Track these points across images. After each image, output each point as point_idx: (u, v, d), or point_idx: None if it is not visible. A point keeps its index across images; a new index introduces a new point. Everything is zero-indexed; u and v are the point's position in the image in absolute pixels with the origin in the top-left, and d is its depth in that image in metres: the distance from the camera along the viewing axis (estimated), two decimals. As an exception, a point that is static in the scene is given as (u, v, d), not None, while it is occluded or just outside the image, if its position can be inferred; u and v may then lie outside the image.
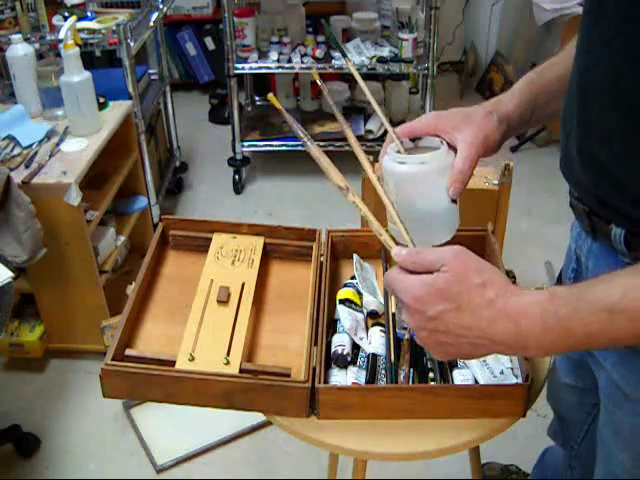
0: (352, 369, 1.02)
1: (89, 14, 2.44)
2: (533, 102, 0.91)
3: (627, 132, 0.72)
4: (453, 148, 0.87)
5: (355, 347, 1.06)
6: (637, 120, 0.70)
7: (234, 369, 0.97)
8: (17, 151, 1.98)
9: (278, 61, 2.89)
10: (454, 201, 0.85)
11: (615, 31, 0.70)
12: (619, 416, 0.89)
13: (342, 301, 1.12)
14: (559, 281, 2.11)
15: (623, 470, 0.92)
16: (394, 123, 3.55)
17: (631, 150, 0.72)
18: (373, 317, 1.14)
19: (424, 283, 0.69)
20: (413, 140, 0.88)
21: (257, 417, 1.88)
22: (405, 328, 1.08)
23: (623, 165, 0.73)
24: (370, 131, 3.02)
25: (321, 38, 2.97)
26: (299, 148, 3.06)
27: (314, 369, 0.98)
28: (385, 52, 2.91)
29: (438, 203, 0.85)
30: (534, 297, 0.66)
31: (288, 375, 0.98)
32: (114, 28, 2.25)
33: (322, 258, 1.20)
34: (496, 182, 1.84)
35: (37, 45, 2.27)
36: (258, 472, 1.84)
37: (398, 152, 0.88)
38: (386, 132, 0.92)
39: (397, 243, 0.76)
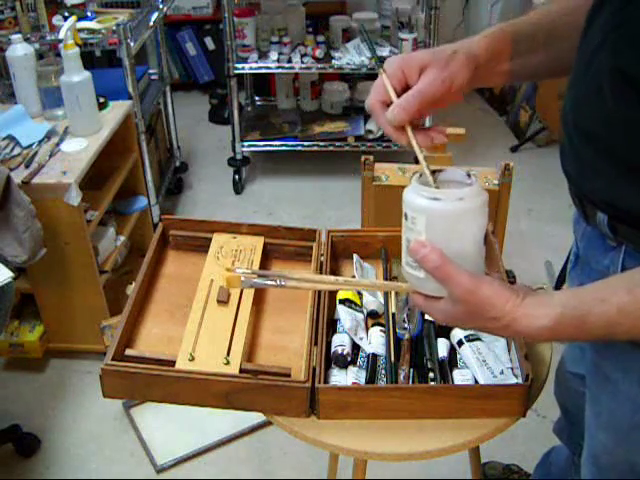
0: (352, 369, 1.02)
1: (89, 14, 2.44)
2: (508, 45, 0.87)
3: (606, 134, 0.78)
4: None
5: (355, 347, 1.06)
6: (614, 124, 0.76)
7: (234, 369, 0.97)
8: (17, 151, 1.98)
9: (278, 61, 2.89)
10: (485, 242, 0.77)
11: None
12: (601, 398, 0.94)
13: (342, 301, 1.12)
14: (559, 280, 2.10)
15: (604, 451, 0.96)
16: (394, 123, 3.44)
17: (611, 150, 0.78)
18: (373, 317, 1.14)
19: (447, 314, 0.76)
20: (433, 172, 0.78)
21: (257, 417, 1.88)
22: (405, 328, 1.08)
23: (604, 161, 0.79)
24: (370, 131, 3.02)
25: (321, 38, 2.97)
26: (299, 148, 3.06)
27: (314, 369, 0.98)
28: (385, 52, 2.91)
29: (472, 244, 0.75)
30: (543, 321, 0.71)
31: (288, 375, 0.98)
32: (114, 28, 2.25)
33: (322, 258, 1.20)
34: (496, 182, 1.84)
35: (37, 45, 2.27)
36: (258, 472, 1.84)
37: (423, 183, 0.76)
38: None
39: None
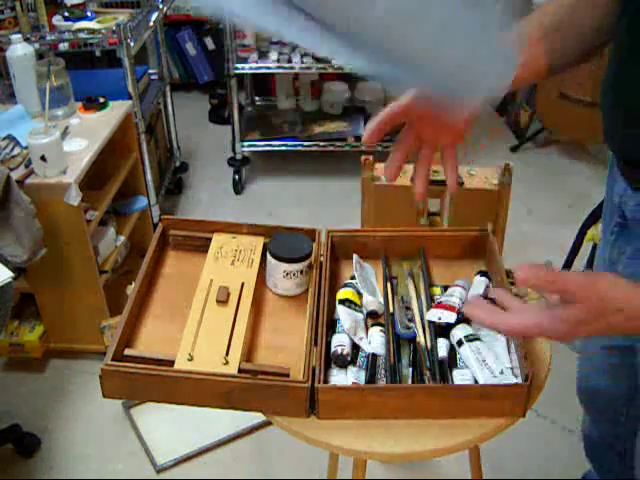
0: (352, 369, 1.02)
1: (89, 14, 2.44)
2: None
3: None
4: None
5: (355, 347, 1.06)
6: None
7: (233, 369, 0.97)
8: (17, 151, 1.98)
9: (278, 61, 2.90)
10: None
11: None
12: None
13: (342, 301, 1.12)
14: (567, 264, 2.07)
15: None
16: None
17: None
18: (373, 317, 1.14)
19: (570, 322, 0.72)
20: None
21: (257, 417, 1.88)
22: (409, 328, 1.08)
23: None
24: (370, 131, 3.02)
25: (321, 38, 2.97)
26: (299, 148, 3.06)
27: (314, 369, 0.98)
28: (385, 52, 2.91)
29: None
30: None
31: (287, 375, 0.98)
32: (114, 28, 2.25)
33: (322, 258, 1.20)
34: (496, 182, 1.84)
35: (37, 45, 2.27)
36: (258, 472, 1.84)
37: None
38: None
39: None
